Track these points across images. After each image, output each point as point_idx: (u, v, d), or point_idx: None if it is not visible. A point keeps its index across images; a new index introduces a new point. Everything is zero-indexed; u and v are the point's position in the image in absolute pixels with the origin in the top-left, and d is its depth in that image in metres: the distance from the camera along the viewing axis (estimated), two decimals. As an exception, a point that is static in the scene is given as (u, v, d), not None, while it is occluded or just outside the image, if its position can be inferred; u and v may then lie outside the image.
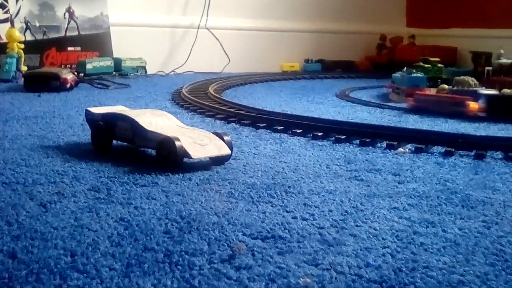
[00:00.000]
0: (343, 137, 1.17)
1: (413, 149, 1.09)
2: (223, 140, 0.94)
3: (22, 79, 2.02)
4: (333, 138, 1.18)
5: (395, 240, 0.61)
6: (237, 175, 0.88)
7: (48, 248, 0.56)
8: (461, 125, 1.44)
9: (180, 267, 0.53)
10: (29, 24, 2.44)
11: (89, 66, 2.36)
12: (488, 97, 1.60)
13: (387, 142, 1.12)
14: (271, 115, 1.40)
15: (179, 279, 0.50)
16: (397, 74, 2.02)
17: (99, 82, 2.13)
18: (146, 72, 2.68)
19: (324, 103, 1.83)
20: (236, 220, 0.66)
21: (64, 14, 2.54)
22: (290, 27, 3.27)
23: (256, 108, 1.52)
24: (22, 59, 2.21)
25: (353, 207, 0.73)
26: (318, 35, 3.37)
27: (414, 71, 1.98)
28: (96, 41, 2.62)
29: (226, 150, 0.93)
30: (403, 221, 0.67)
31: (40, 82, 1.90)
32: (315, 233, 0.63)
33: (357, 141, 1.15)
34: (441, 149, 1.09)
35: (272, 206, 0.72)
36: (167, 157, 0.89)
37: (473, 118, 1.54)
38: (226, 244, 0.59)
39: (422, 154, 1.06)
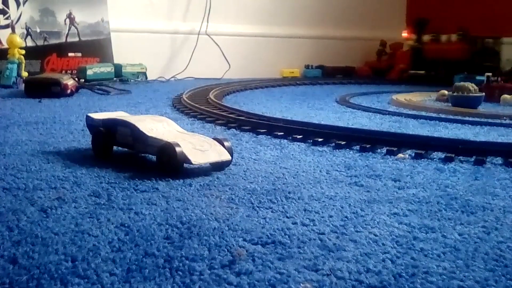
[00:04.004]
0: (343, 143, 1.17)
1: (413, 154, 1.09)
2: (224, 145, 0.94)
3: (23, 85, 2.02)
4: (333, 144, 1.18)
5: (395, 245, 0.61)
6: (238, 180, 0.88)
7: (49, 253, 0.56)
8: (461, 131, 1.44)
9: (180, 273, 0.53)
10: (30, 30, 2.45)
11: (89, 72, 2.37)
12: None
13: (387, 148, 1.12)
14: (271, 121, 1.40)
15: (179, 284, 0.50)
16: None
17: (100, 88, 2.13)
18: (146, 78, 2.68)
19: (324, 109, 1.83)
20: (237, 226, 0.66)
21: (65, 20, 2.55)
22: (291, 33, 3.28)
23: (256, 114, 1.52)
24: (23, 65, 2.21)
25: (353, 213, 0.73)
26: (318, 41, 3.38)
27: None
28: (96, 47, 2.63)
29: (226, 156, 0.93)
30: (403, 227, 0.67)
31: (41, 88, 1.90)
32: (315, 238, 0.63)
33: (357, 147, 1.15)
34: (441, 155, 1.09)
35: (272, 211, 0.73)
36: (167, 163, 0.89)
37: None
38: (226, 250, 0.59)
39: (422, 159, 1.07)
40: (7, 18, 2.41)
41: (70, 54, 2.55)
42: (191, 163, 0.89)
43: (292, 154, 1.09)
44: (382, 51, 3.41)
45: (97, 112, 1.22)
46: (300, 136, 1.24)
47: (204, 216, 0.70)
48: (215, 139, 0.96)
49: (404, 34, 3.09)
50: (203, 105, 1.70)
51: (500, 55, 2.96)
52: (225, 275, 0.52)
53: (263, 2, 3.22)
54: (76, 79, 2.18)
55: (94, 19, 2.64)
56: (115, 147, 1.03)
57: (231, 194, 0.80)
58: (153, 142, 0.94)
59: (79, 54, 2.57)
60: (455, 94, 1.96)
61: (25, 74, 2.21)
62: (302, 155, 1.09)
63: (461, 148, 1.09)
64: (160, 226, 0.65)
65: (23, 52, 2.22)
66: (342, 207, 0.75)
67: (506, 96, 2.10)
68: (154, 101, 1.89)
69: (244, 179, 0.89)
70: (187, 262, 0.55)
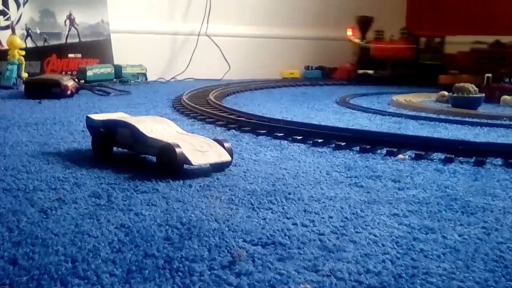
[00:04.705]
0: (343, 143, 1.17)
1: (413, 155, 1.09)
2: (224, 146, 0.94)
3: (23, 86, 2.02)
4: (333, 145, 1.18)
5: (395, 246, 0.61)
6: (238, 181, 0.88)
7: (49, 254, 0.56)
8: (461, 132, 1.44)
9: (180, 273, 0.53)
10: (30, 31, 2.45)
11: (89, 73, 2.37)
12: None
13: (387, 148, 1.13)
14: (271, 121, 1.40)
15: (179, 285, 0.50)
16: None
17: (100, 89, 2.13)
18: (146, 79, 2.68)
19: (324, 110, 1.83)
20: (237, 227, 0.66)
21: (65, 21, 2.55)
22: (290, 34, 3.28)
23: (256, 114, 1.52)
24: (23, 66, 2.21)
25: (353, 214, 0.73)
26: (318, 42, 3.38)
27: None
28: (96, 48, 2.63)
29: (226, 157, 0.93)
30: (403, 228, 0.67)
31: (41, 89, 1.90)
32: (315, 239, 0.63)
33: (357, 148, 1.15)
34: (441, 156, 1.09)
35: (272, 212, 0.73)
36: (167, 164, 0.89)
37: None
38: (226, 251, 0.59)
39: (422, 160, 1.07)
40: (7, 19, 2.41)
41: (70, 55, 2.55)
42: (191, 164, 0.89)
43: (292, 155, 1.09)
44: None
45: (97, 113, 1.23)
46: (300, 137, 1.24)
47: (204, 217, 0.70)
48: (215, 140, 0.96)
49: (349, 33, 3.06)
50: (203, 106, 1.70)
51: (443, 54, 2.99)
52: (225, 276, 0.52)
53: (263, 3, 3.22)
54: (76, 80, 2.17)
55: (94, 20, 2.64)
56: (115, 148, 1.03)
57: (231, 195, 0.80)
58: (153, 143, 0.94)
59: (79, 55, 2.57)
60: (455, 95, 1.96)
61: (25, 75, 2.21)
62: (302, 156, 1.09)
63: (461, 149, 1.09)
64: (160, 227, 0.65)
65: (23, 53, 2.22)
66: (342, 208, 0.75)
67: (506, 97, 2.10)
68: (154, 102, 1.89)
69: (244, 180, 0.89)
70: (187, 263, 0.55)
